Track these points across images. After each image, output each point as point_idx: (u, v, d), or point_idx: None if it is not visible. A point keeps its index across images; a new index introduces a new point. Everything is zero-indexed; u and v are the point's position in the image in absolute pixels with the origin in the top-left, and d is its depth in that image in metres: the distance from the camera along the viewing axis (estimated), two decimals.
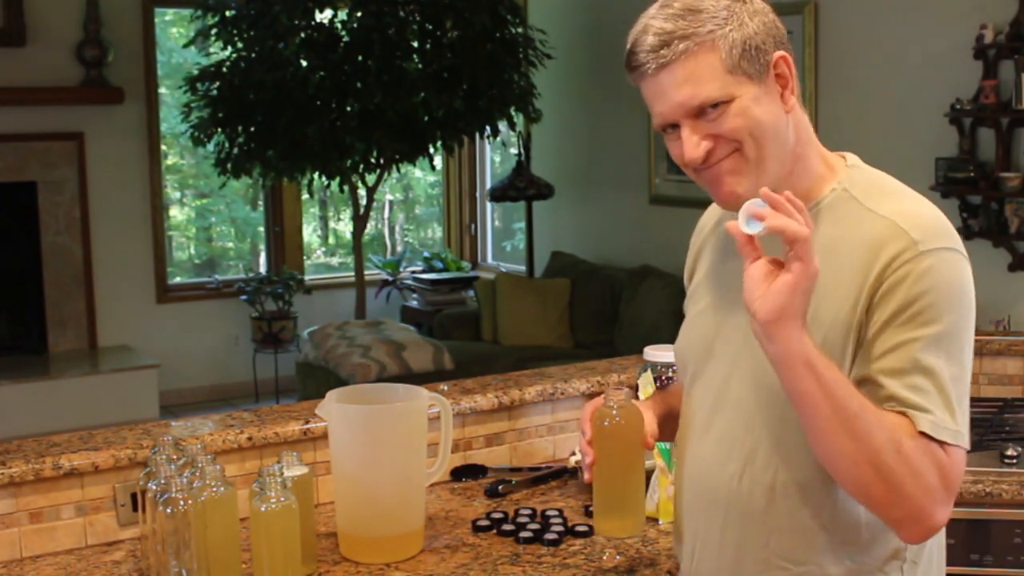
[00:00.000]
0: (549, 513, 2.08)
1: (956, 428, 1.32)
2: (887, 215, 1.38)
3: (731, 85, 1.36)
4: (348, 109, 6.14)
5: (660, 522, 2.01)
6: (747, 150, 1.38)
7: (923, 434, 1.31)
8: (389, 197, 8.74)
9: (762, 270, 1.29)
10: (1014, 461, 2.25)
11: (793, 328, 1.28)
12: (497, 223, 8.57)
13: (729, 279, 1.48)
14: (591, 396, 2.41)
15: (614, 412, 1.58)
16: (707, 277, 1.58)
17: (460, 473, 2.33)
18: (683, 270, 1.70)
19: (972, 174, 4.76)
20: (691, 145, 1.38)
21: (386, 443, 1.89)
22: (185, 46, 6.90)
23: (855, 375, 1.37)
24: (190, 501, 1.69)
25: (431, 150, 6.57)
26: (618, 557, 1.88)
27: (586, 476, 1.58)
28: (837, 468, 1.33)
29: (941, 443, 1.31)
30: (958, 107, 4.76)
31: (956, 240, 1.39)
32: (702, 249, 1.62)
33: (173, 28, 7.71)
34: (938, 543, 1.51)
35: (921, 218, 1.39)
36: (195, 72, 6.29)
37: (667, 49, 1.35)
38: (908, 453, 1.29)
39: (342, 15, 6.30)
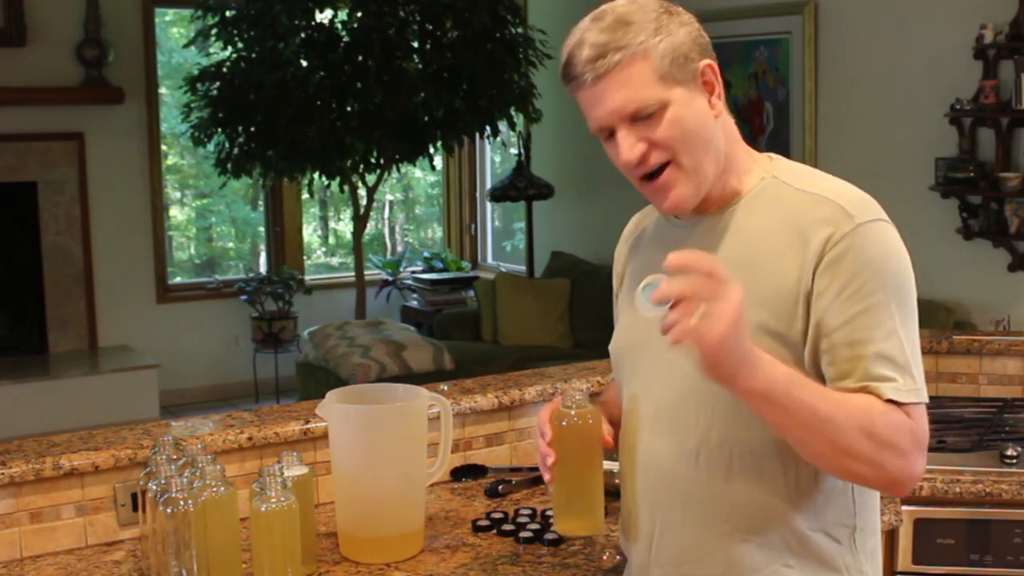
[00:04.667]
0: (549, 513, 2.07)
1: (916, 386, 1.40)
2: (818, 192, 1.47)
3: (663, 91, 1.44)
4: (348, 109, 6.14)
5: None
6: (682, 160, 1.45)
7: (890, 401, 1.38)
8: (389, 197, 8.75)
9: None
10: (1014, 461, 2.25)
11: (731, 369, 1.31)
12: (497, 223, 8.57)
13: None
14: (593, 395, 2.41)
15: (572, 412, 1.58)
16: (641, 275, 1.60)
17: (460, 473, 2.33)
18: None
19: (972, 174, 4.76)
20: (627, 146, 1.45)
21: (386, 443, 1.89)
22: (185, 46, 6.90)
23: (820, 346, 1.42)
24: (190, 501, 1.69)
25: (431, 150, 6.57)
26: (618, 557, 1.88)
27: (547, 477, 1.57)
28: (819, 464, 1.42)
29: (906, 405, 1.39)
30: (958, 107, 4.77)
31: (883, 212, 1.47)
32: (632, 253, 1.69)
33: (173, 28, 7.71)
34: (875, 512, 1.57)
35: (850, 194, 1.46)
36: (195, 72, 6.29)
37: (603, 60, 1.42)
38: (880, 433, 1.36)
39: (342, 15, 6.30)
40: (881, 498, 1.66)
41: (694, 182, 1.47)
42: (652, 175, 1.47)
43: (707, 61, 1.48)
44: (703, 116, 1.47)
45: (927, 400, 1.42)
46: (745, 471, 1.47)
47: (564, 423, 1.57)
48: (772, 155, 1.58)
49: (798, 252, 1.43)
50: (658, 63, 1.43)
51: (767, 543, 1.48)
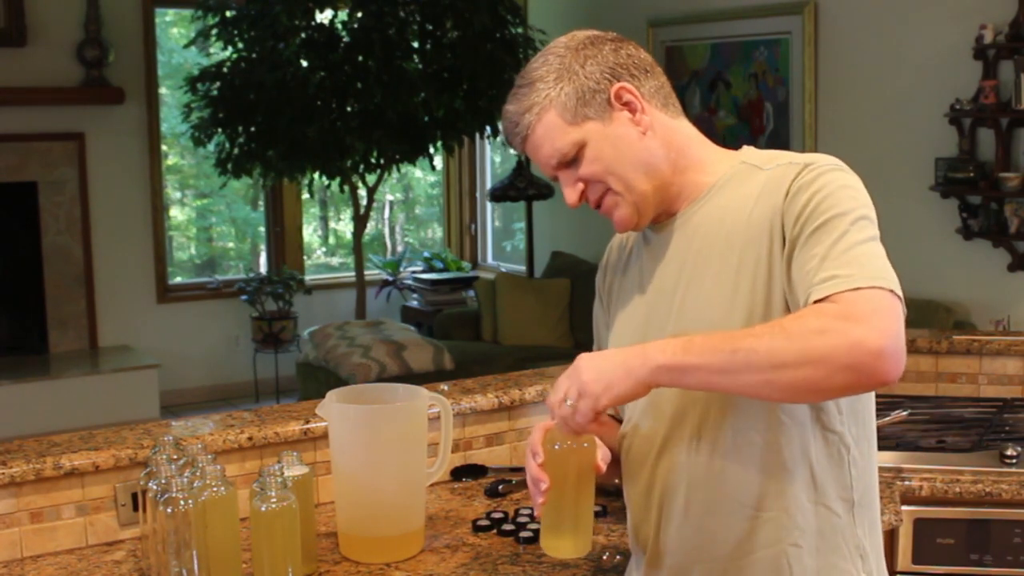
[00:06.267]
0: None
1: (849, 274, 1.37)
2: (782, 163, 1.52)
3: (576, 133, 1.53)
4: (348, 109, 6.15)
5: None
6: (614, 185, 1.55)
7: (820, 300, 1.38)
8: (389, 197, 8.75)
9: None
10: (1014, 461, 2.25)
11: (625, 371, 1.41)
12: (497, 223, 8.57)
13: (653, 279, 1.61)
14: None
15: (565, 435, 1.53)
16: (633, 280, 1.67)
17: (460, 473, 2.33)
18: None
19: (972, 174, 4.76)
20: (568, 192, 1.58)
21: (386, 443, 1.89)
22: (186, 46, 6.90)
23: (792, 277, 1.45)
24: (190, 501, 1.69)
25: (431, 150, 6.57)
26: (618, 557, 1.88)
27: (540, 500, 1.52)
28: (781, 394, 1.40)
29: (833, 294, 1.36)
30: (958, 107, 4.77)
31: (848, 168, 1.50)
32: (620, 258, 1.73)
33: (173, 28, 7.71)
34: (872, 486, 1.58)
35: (812, 155, 1.52)
36: (195, 72, 6.30)
37: (519, 127, 1.56)
38: (792, 327, 1.35)
39: (342, 15, 6.30)
40: (881, 496, 1.66)
41: (630, 201, 1.55)
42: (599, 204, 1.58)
43: (619, 84, 1.54)
44: (625, 139, 1.54)
45: (879, 284, 1.36)
46: (746, 449, 1.49)
47: (557, 446, 1.53)
48: (744, 147, 1.63)
49: (766, 213, 1.48)
50: (562, 109, 1.53)
51: (772, 520, 1.49)
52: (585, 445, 1.54)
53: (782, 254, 1.46)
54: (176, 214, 7.89)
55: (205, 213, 8.04)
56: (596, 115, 1.53)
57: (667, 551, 1.57)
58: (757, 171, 1.54)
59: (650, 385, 1.41)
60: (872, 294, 1.35)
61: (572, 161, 1.55)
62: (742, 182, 1.54)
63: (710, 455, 1.51)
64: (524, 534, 1.97)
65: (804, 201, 1.44)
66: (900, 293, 1.38)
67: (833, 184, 1.45)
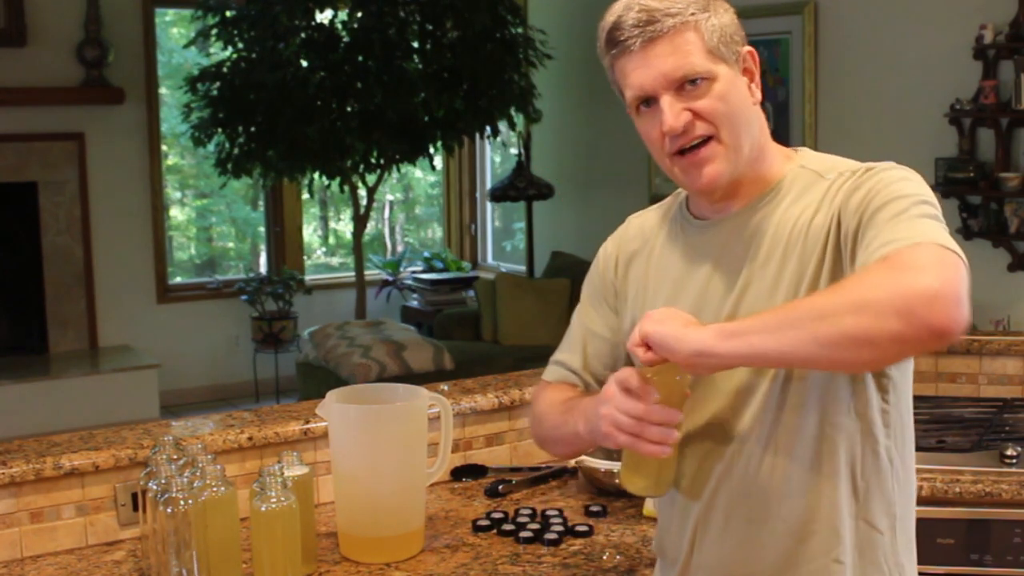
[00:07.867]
0: (549, 513, 2.08)
1: (908, 236, 1.30)
2: (844, 171, 1.46)
3: (711, 64, 1.44)
4: (348, 109, 6.15)
5: None
6: (723, 135, 1.45)
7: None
8: (389, 197, 8.75)
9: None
10: (1014, 461, 2.25)
11: (690, 338, 1.33)
12: (497, 223, 8.57)
13: (700, 279, 1.53)
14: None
15: (649, 376, 1.42)
16: (665, 275, 1.58)
17: (460, 473, 2.33)
18: None
19: (972, 174, 4.76)
20: (673, 113, 1.43)
21: (386, 443, 1.89)
22: (186, 46, 6.90)
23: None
24: (190, 501, 1.69)
25: (431, 150, 6.57)
26: (618, 557, 1.88)
27: (666, 450, 1.39)
28: (815, 355, 1.28)
29: (893, 252, 1.29)
30: (958, 107, 4.77)
31: (908, 168, 1.45)
32: (644, 248, 1.65)
33: (174, 28, 7.71)
34: (912, 501, 1.54)
35: (871, 163, 1.46)
36: (195, 72, 6.30)
37: (655, 25, 1.42)
38: (849, 282, 1.29)
39: (342, 15, 6.31)
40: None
41: (731, 160, 1.46)
42: (687, 149, 1.46)
43: (748, 48, 1.49)
44: (745, 98, 1.47)
45: (946, 245, 1.27)
46: (787, 462, 1.45)
47: (649, 377, 1.42)
48: (799, 148, 1.58)
49: (828, 217, 1.43)
50: (708, 36, 1.44)
51: (814, 533, 1.45)
52: (677, 378, 1.42)
53: (834, 264, 1.41)
54: (176, 214, 7.89)
55: (205, 213, 8.04)
56: (729, 60, 1.45)
57: (703, 565, 1.54)
58: (820, 179, 1.47)
59: (706, 346, 1.31)
60: (932, 248, 1.26)
61: (690, 85, 1.43)
62: (806, 190, 1.48)
63: (746, 467, 1.47)
64: (524, 534, 1.97)
65: (862, 196, 1.39)
66: (965, 260, 1.27)
67: (892, 177, 1.40)
